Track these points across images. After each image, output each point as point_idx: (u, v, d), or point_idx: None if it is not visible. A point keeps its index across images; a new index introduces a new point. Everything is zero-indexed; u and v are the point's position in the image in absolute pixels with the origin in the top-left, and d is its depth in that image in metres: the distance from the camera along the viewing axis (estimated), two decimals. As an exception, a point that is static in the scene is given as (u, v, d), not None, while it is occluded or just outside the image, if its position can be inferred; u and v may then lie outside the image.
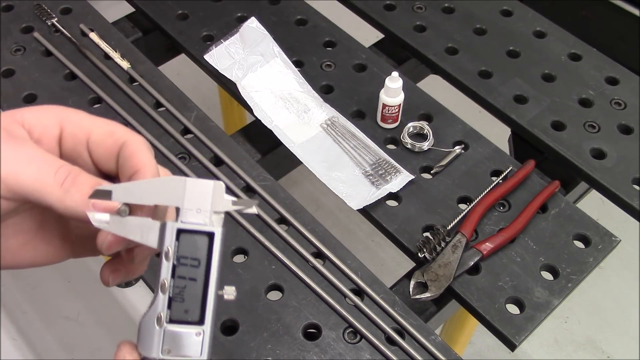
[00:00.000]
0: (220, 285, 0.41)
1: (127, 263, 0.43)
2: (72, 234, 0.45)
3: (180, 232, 0.40)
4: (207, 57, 1.03)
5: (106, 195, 0.39)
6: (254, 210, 0.42)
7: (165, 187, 0.40)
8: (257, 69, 1.02)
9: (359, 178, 0.91)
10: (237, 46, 1.04)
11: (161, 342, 0.40)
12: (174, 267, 0.40)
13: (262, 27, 1.04)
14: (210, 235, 0.40)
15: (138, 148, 0.42)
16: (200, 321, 0.40)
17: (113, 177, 0.44)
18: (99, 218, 0.39)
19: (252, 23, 1.05)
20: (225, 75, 1.02)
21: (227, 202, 0.41)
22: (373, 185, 0.90)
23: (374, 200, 0.87)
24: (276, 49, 1.03)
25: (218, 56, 1.03)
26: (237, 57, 1.03)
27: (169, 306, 0.40)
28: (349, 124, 0.97)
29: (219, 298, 0.41)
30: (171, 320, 0.40)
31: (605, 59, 1.09)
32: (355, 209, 0.87)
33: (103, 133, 0.43)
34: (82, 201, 0.39)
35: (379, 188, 0.89)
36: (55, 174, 0.39)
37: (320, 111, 0.98)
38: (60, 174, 0.39)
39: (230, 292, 0.41)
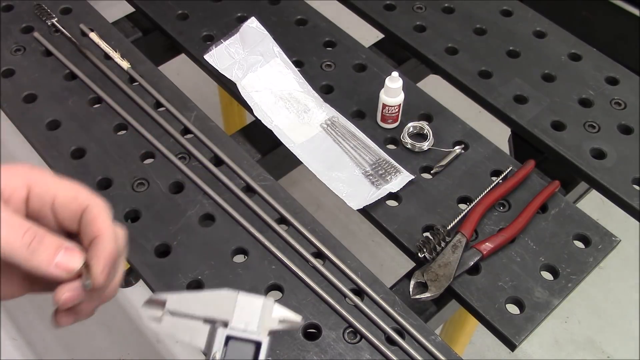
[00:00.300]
0: None
1: (76, 312, 0.48)
2: (31, 276, 0.47)
3: (229, 338, 0.42)
4: (207, 57, 1.03)
5: (161, 304, 0.44)
6: (299, 324, 0.46)
7: (216, 300, 0.42)
8: (257, 69, 1.02)
9: (359, 178, 0.91)
10: (237, 46, 1.04)
11: None
12: None
13: (262, 27, 1.04)
14: (258, 345, 0.42)
15: (98, 214, 0.45)
16: None
17: (75, 236, 0.46)
18: (151, 315, 0.44)
19: (252, 23, 1.05)
20: (225, 75, 1.01)
21: (274, 321, 0.43)
22: (373, 185, 0.90)
23: (374, 200, 0.87)
24: (276, 49, 1.03)
25: (218, 56, 1.03)
26: (237, 57, 1.03)
27: None
28: (349, 124, 0.97)
29: None
30: None
31: (605, 59, 1.09)
32: (355, 209, 0.87)
33: (67, 197, 0.46)
34: (47, 261, 0.43)
35: (379, 188, 0.89)
36: (23, 237, 0.43)
37: (320, 111, 0.98)
38: (27, 236, 0.43)
39: None
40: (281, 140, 0.95)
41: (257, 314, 0.42)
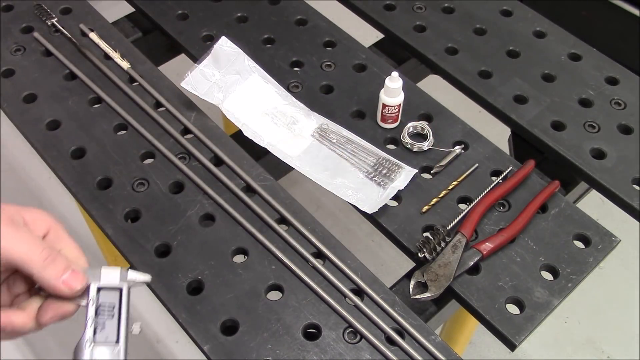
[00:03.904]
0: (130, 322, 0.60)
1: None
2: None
3: (99, 290, 0.59)
4: (183, 84, 0.98)
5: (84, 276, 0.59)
6: (148, 279, 0.62)
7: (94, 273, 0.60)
8: (237, 88, 0.99)
9: (364, 181, 0.91)
10: (212, 68, 0.99)
11: (88, 355, 0.57)
12: (96, 310, 0.59)
13: (234, 45, 1.01)
14: (120, 291, 0.60)
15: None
16: (117, 342, 0.58)
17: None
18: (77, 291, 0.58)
19: (224, 44, 1.01)
20: (206, 100, 0.97)
21: (132, 277, 0.61)
22: (379, 186, 0.89)
23: (386, 201, 0.87)
24: (252, 64, 1.01)
25: (195, 81, 0.98)
26: (213, 80, 0.99)
27: (95, 333, 0.58)
28: (341, 128, 0.96)
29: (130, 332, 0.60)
30: (97, 343, 0.58)
31: (605, 59, 1.09)
32: (369, 212, 0.87)
33: (73, 253, 0.59)
34: (56, 276, 0.55)
35: (386, 188, 0.89)
36: (41, 252, 0.54)
37: (309, 120, 0.97)
38: (44, 253, 0.54)
39: (136, 328, 0.62)
40: (277, 156, 0.94)
41: (117, 274, 0.60)
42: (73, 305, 0.59)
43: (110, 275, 0.61)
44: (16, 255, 0.53)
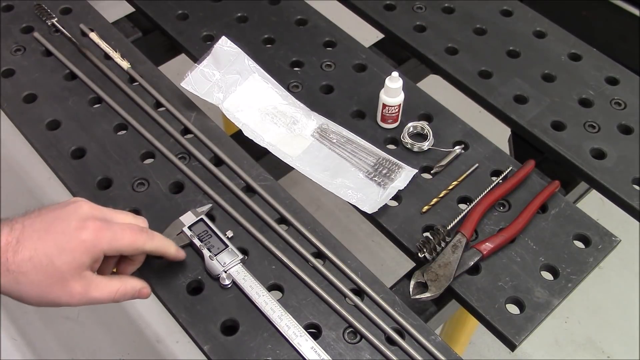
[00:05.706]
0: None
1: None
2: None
3: (190, 226, 0.83)
4: (183, 84, 0.98)
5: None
6: (209, 207, 0.86)
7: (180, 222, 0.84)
8: (237, 87, 0.99)
9: (364, 181, 0.91)
10: (212, 68, 0.99)
11: (219, 264, 0.79)
12: (200, 239, 0.81)
13: (235, 45, 1.01)
14: (201, 219, 0.83)
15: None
16: (226, 246, 0.81)
17: None
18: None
19: (224, 44, 1.00)
20: (206, 100, 0.97)
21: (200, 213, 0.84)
22: (380, 186, 0.89)
23: (386, 201, 0.87)
24: (252, 64, 1.01)
25: (195, 81, 0.98)
26: (213, 79, 0.99)
27: (210, 251, 0.80)
28: (341, 128, 0.96)
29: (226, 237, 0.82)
30: (215, 254, 0.80)
31: (605, 59, 1.09)
32: (370, 212, 0.87)
33: None
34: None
35: (386, 188, 0.89)
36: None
37: (309, 120, 0.97)
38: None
39: (229, 233, 0.83)
40: (277, 155, 0.93)
41: (190, 214, 0.84)
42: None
43: (187, 217, 0.83)
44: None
